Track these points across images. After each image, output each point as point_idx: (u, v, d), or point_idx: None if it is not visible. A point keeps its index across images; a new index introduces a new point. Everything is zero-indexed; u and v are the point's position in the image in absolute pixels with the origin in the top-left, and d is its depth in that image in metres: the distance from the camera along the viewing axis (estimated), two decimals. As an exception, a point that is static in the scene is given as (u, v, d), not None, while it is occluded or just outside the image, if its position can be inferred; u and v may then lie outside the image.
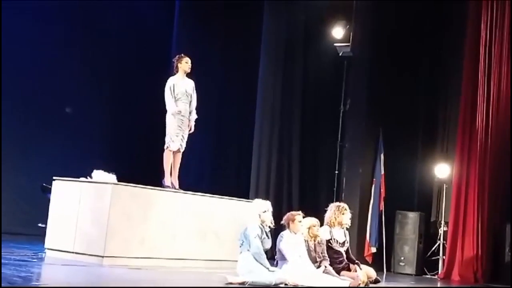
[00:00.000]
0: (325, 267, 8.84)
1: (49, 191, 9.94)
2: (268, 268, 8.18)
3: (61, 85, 14.08)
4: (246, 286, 7.83)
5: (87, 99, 14.44)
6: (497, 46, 12.43)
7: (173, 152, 10.19)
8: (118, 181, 9.41)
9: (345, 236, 9.47)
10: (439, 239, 12.90)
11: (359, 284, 8.38)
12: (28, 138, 13.70)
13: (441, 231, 12.92)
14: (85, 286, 6.93)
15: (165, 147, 10.17)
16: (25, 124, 13.68)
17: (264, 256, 8.26)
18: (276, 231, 8.90)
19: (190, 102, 10.31)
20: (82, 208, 9.33)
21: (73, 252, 9.21)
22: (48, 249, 9.52)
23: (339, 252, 9.30)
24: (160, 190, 9.87)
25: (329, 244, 9.24)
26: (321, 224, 9.32)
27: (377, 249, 12.92)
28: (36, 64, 13.72)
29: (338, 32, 13.60)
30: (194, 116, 10.34)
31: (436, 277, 12.55)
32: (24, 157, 13.57)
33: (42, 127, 13.88)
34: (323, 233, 9.22)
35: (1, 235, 9.16)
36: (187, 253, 9.91)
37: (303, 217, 8.92)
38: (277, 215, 8.87)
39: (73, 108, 14.18)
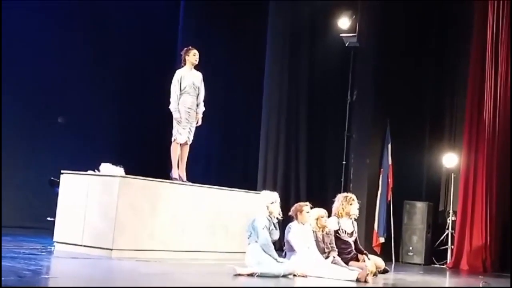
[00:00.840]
0: (334, 257, 8.86)
1: (57, 184, 9.97)
2: (276, 259, 8.20)
3: (68, 80, 14.11)
4: (255, 277, 7.84)
5: (95, 93, 14.47)
6: (504, 34, 12.36)
7: (181, 144, 10.20)
8: (126, 174, 9.43)
9: (353, 227, 9.49)
10: (448, 229, 12.89)
11: (368, 274, 8.38)
12: (36, 133, 13.75)
13: (449, 220, 12.91)
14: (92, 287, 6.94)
15: (172, 139, 10.18)
16: (33, 119, 13.73)
17: (273, 247, 8.27)
18: (284, 223, 8.91)
19: (198, 94, 10.30)
20: (90, 201, 9.36)
21: (81, 245, 9.24)
22: (57, 242, 9.55)
23: (347, 243, 9.32)
24: (168, 182, 9.88)
25: (337, 234, 9.25)
26: (329, 215, 9.33)
27: (385, 239, 12.91)
28: (44, 59, 13.76)
29: (344, 22, 13.55)
30: (201, 108, 10.33)
31: (444, 266, 12.55)
32: (32, 152, 13.63)
33: (50, 121, 13.93)
34: (331, 224, 9.23)
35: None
36: (195, 245, 9.93)
37: (311, 208, 8.93)
38: (285, 206, 8.89)
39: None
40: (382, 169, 13.11)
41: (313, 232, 8.95)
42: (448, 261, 12.58)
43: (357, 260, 9.19)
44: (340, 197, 9.59)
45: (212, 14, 15.22)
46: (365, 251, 9.48)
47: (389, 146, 13.15)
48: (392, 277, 9.72)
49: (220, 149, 15.34)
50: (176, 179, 10.07)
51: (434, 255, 12.99)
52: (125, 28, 14.95)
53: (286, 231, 8.78)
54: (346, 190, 12.62)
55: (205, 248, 10.04)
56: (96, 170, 9.57)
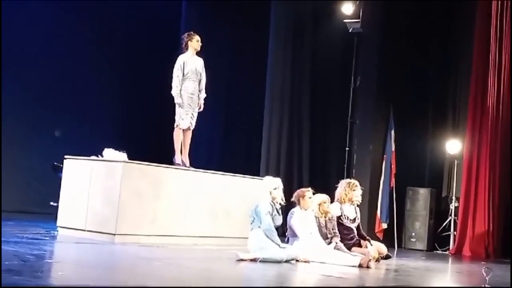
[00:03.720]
0: (336, 243, 8.87)
1: (60, 170, 9.99)
2: (279, 245, 8.21)
3: (72, 66, 14.10)
4: (257, 262, 7.86)
5: (98, 78, 14.47)
6: (507, 20, 12.31)
7: (183, 130, 10.21)
8: (129, 159, 9.44)
9: (356, 213, 9.50)
10: (450, 215, 12.90)
11: (370, 260, 8.39)
12: (39, 118, 13.75)
13: (452, 207, 12.91)
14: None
15: (175, 125, 10.19)
16: (36, 104, 13.73)
17: (275, 233, 8.29)
18: (286, 208, 8.92)
19: (200, 80, 10.31)
20: (93, 186, 9.37)
21: (85, 230, 9.27)
22: (60, 227, 9.58)
23: (350, 229, 9.34)
24: (171, 168, 9.90)
25: (339, 220, 9.27)
26: (332, 201, 9.34)
27: (388, 225, 12.94)
28: (48, 46, 13.76)
29: (347, 8, 13.51)
30: (203, 94, 10.34)
31: (447, 253, 12.57)
32: (35, 137, 13.64)
33: (53, 107, 13.93)
34: (334, 210, 9.24)
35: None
36: (198, 230, 9.96)
37: (314, 194, 8.93)
38: (288, 192, 8.90)
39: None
40: (385, 155, 13.12)
41: (316, 217, 8.96)
42: (451, 247, 12.60)
43: (360, 246, 9.21)
44: (343, 183, 9.60)
45: (215, 0, 15.15)
46: (367, 237, 9.51)
47: (392, 132, 13.15)
48: (395, 263, 9.73)
49: (223, 135, 15.34)
50: (179, 164, 10.09)
51: (437, 241, 13.01)
52: (128, 14, 14.90)
53: (288, 217, 8.80)
54: (349, 176, 12.64)
55: (208, 233, 10.07)
56: (99, 155, 9.58)
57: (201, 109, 10.37)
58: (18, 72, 13.29)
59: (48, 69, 13.78)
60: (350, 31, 13.64)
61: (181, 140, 10.24)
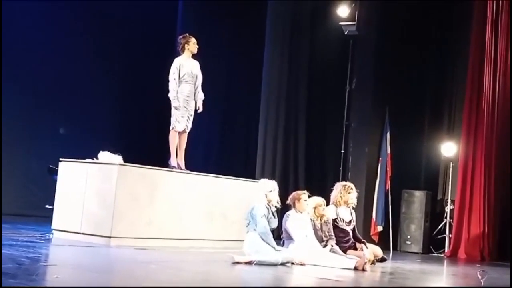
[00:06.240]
0: (332, 246, 8.87)
1: (56, 172, 9.97)
2: (274, 248, 8.21)
3: (69, 68, 14.10)
4: (253, 265, 7.85)
5: (94, 81, 14.47)
6: (503, 23, 12.35)
7: (179, 132, 10.20)
8: (125, 162, 9.43)
9: (351, 215, 9.50)
10: (446, 218, 12.92)
11: (366, 262, 8.39)
12: (36, 121, 13.74)
13: (447, 209, 12.94)
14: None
15: (170, 128, 10.18)
16: (33, 107, 13.72)
17: (271, 235, 8.29)
18: (282, 211, 8.92)
19: (196, 83, 10.30)
20: (89, 189, 9.36)
21: (80, 233, 9.26)
22: (55, 230, 9.57)
23: (345, 231, 9.34)
24: (166, 170, 9.89)
25: (335, 223, 9.26)
26: (327, 204, 9.34)
27: (383, 228, 12.96)
28: (45, 48, 13.75)
29: (343, 11, 13.53)
30: (201, 95, 10.33)
31: (442, 255, 12.58)
32: (31, 140, 13.63)
33: (51, 109, 13.93)
34: (329, 212, 9.24)
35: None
36: (194, 233, 9.95)
37: (309, 197, 8.94)
38: (283, 195, 8.89)
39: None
40: (380, 158, 13.14)
41: (311, 220, 8.96)
42: (446, 250, 12.61)
43: (355, 248, 9.21)
44: (338, 186, 9.60)
45: (211, 1, 15.17)
46: (363, 240, 9.50)
47: (388, 135, 13.17)
48: (390, 265, 9.74)
49: (219, 137, 15.34)
50: (174, 167, 10.08)
51: (432, 244, 13.02)
52: (124, 17, 14.90)
53: (284, 220, 8.79)
54: (344, 178, 12.64)
55: (203, 236, 10.06)
56: (94, 158, 9.57)
57: (200, 109, 10.33)
58: (16, 75, 13.29)
59: (46, 71, 13.78)
60: (345, 33, 13.65)
61: (177, 142, 10.23)
